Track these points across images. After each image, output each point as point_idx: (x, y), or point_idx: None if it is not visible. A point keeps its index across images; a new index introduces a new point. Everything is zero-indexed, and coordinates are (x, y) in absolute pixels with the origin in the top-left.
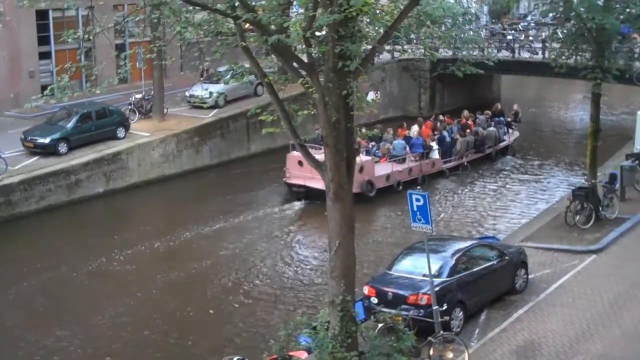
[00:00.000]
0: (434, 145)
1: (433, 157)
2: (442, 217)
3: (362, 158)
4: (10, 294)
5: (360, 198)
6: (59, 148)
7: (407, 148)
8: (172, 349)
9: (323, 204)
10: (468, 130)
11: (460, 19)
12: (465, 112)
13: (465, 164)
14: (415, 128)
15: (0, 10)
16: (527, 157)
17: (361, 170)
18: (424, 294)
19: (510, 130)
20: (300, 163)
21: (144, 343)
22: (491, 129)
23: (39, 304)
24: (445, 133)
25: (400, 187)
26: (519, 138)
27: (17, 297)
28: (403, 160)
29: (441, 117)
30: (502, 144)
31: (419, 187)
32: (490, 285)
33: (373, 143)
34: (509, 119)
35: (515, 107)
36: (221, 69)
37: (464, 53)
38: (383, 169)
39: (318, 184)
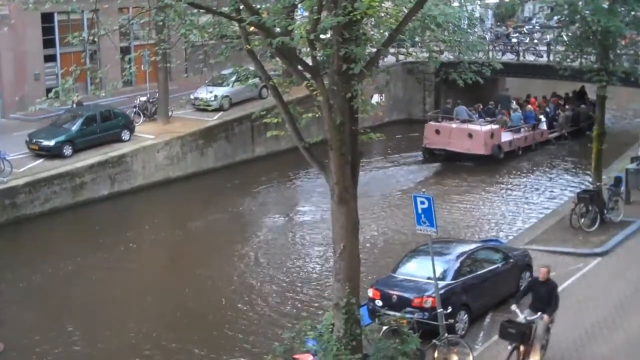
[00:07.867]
0: (542, 118)
1: (542, 128)
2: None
3: (492, 126)
4: (16, 295)
5: (492, 159)
6: (64, 150)
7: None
8: (176, 350)
9: (454, 165)
10: (567, 106)
11: (466, 23)
12: (556, 93)
13: (566, 134)
14: (514, 105)
15: (5, 13)
16: (532, 159)
17: (492, 136)
18: (429, 296)
19: None
20: (437, 132)
21: (149, 344)
22: (583, 106)
23: (44, 305)
24: (547, 109)
25: (520, 152)
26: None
27: (22, 297)
28: (518, 130)
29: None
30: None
31: (422, 191)
32: (495, 288)
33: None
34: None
35: None
36: (226, 71)
37: (466, 58)
38: (506, 136)
39: (455, 147)
